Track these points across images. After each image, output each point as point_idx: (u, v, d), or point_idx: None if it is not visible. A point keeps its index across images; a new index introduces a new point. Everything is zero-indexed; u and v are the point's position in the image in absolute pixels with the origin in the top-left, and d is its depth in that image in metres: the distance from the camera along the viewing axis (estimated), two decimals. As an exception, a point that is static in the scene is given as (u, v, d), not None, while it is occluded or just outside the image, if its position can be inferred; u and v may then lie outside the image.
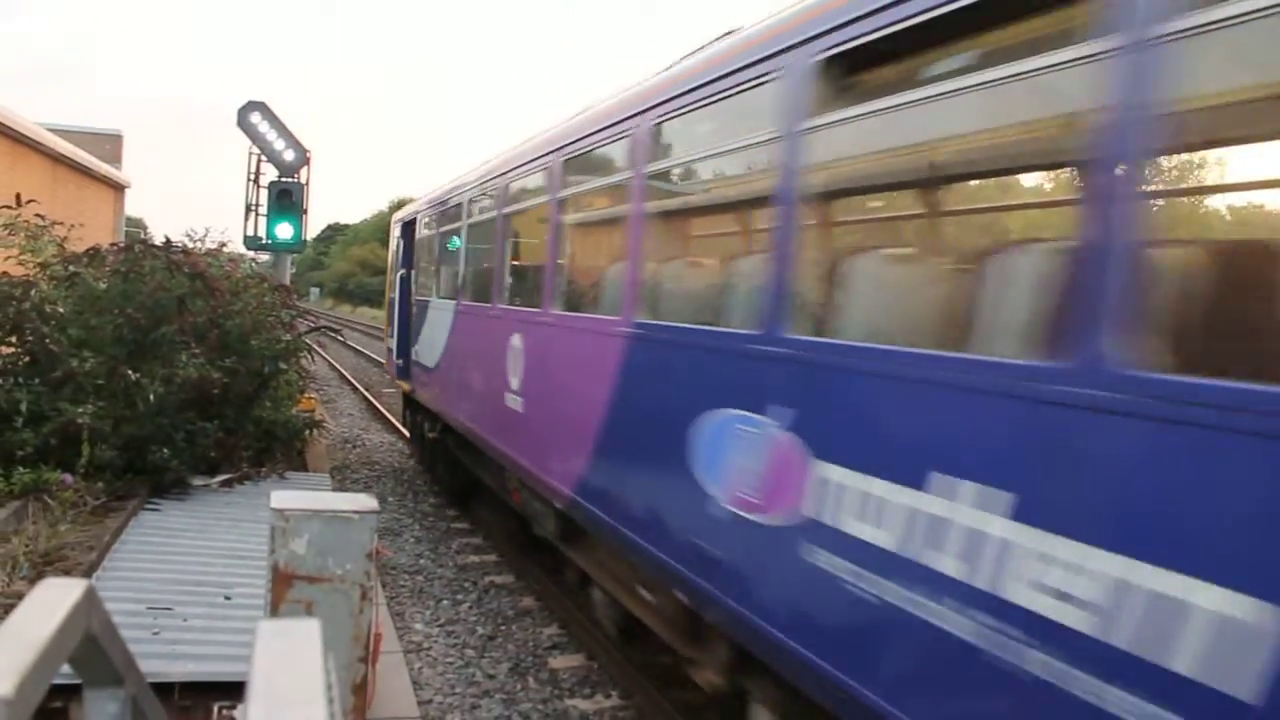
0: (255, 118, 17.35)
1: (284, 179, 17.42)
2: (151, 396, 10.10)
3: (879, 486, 3.96)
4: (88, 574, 7.68)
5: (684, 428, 5.45)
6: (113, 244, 10.77)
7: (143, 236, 12.57)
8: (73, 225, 11.84)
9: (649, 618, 6.53)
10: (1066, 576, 3.16)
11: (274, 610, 5.73)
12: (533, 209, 8.65)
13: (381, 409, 22.04)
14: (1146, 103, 3.06)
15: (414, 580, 10.00)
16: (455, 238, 11.12)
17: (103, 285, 10.01)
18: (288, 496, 5.98)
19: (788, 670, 4.58)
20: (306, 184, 17.45)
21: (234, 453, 10.66)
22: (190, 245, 11.57)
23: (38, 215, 11.55)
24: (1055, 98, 3.86)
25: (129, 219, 32.27)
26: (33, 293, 9.93)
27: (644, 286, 6.21)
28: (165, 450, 10.01)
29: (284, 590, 5.73)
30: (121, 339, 10.01)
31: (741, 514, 4.92)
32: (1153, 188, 3.25)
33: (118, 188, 29.01)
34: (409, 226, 14.45)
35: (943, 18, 3.78)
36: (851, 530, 4.10)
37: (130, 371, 9.94)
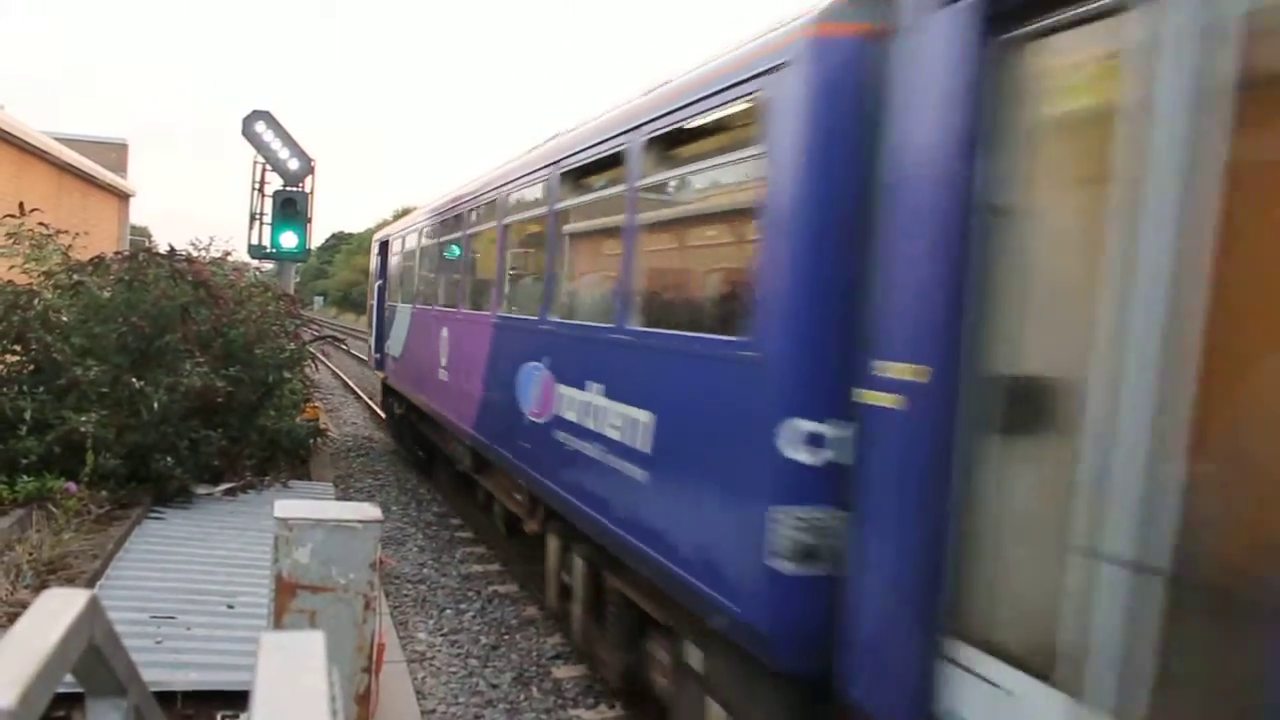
0: (260, 127, 17.40)
1: (288, 188, 17.47)
2: (155, 405, 10.11)
3: (571, 391, 7.33)
4: (91, 583, 7.69)
5: (514, 376, 8.73)
6: (117, 252, 10.81)
7: (147, 245, 12.53)
8: (77, 234, 11.87)
9: (515, 507, 9.48)
10: (619, 418, 6.42)
11: (277, 620, 5.72)
12: (446, 242, 12.40)
13: (385, 417, 21.97)
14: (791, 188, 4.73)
15: (417, 590, 9.99)
16: (410, 259, 14.80)
17: (107, 294, 10.04)
18: (291, 505, 5.98)
19: (556, 505, 7.70)
20: (311, 193, 17.49)
21: (238, 461, 10.68)
22: (195, 254, 11.61)
23: (41, 224, 11.56)
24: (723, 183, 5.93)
25: (133, 228, 32.30)
26: (37, 301, 9.95)
27: (502, 292, 9.66)
28: (169, 459, 10.02)
29: (287, 600, 5.73)
30: (125, 347, 10.03)
31: (533, 419, 8.19)
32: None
33: (122, 196, 29.06)
34: (384, 246, 17.72)
35: (680, 130, 5.99)
36: (566, 416, 7.40)
37: (134, 380, 9.95)
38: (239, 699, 6.16)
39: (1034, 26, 3.52)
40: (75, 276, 10.10)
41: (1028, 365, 3.62)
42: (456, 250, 11.55)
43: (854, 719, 4.29)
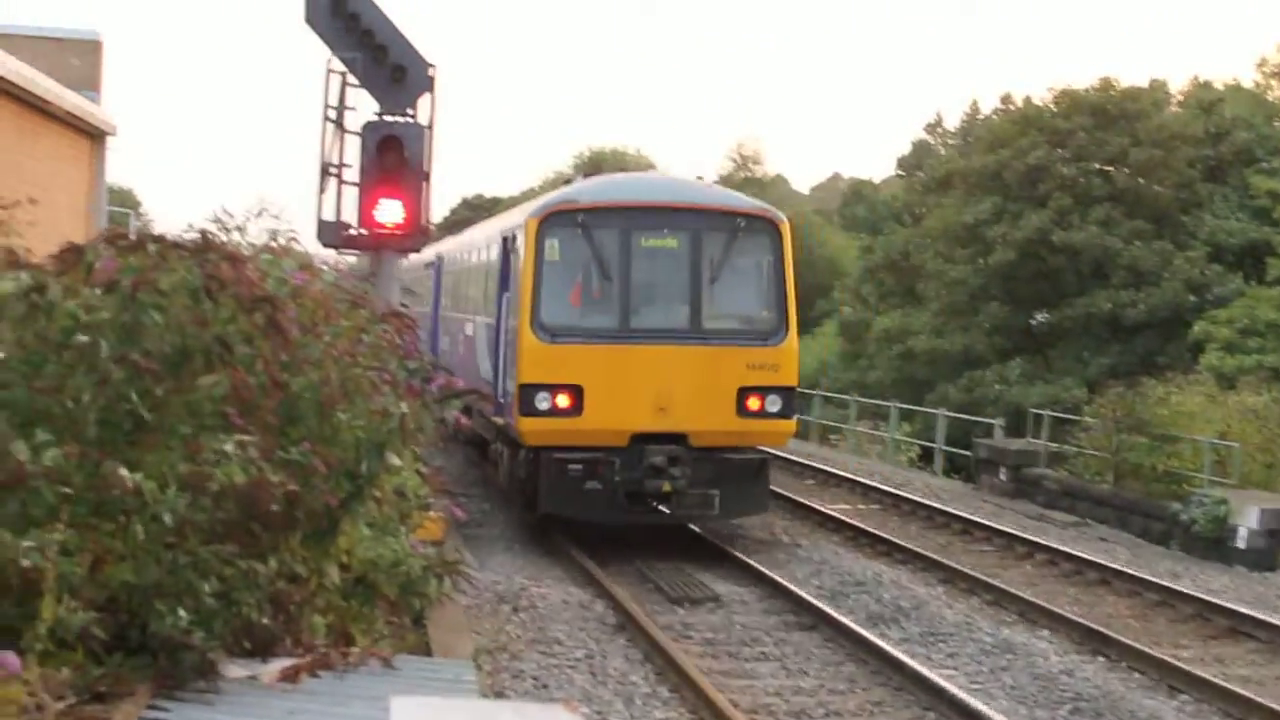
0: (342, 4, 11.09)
1: (390, 115, 11.43)
2: (167, 516, 5.70)
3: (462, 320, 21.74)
4: None
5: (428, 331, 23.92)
6: (113, 238, 6.06)
7: (138, 221, 8.05)
8: (17, 202, 7.39)
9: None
10: (471, 330, 20.47)
11: None
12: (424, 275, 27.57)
13: (561, 536, 16.24)
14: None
15: None
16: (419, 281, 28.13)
17: (84, 314, 5.62)
18: (413, 707, 3.96)
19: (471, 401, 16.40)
20: (430, 127, 11.38)
21: (301, 618, 5.97)
22: (229, 238, 7.00)
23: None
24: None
25: (113, 190, 21.94)
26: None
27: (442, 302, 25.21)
28: (182, 612, 5.55)
29: None
30: (112, 410, 5.63)
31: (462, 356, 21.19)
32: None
33: (95, 135, 17.69)
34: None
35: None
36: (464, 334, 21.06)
37: (124, 471, 5.58)
38: None
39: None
40: (25, 278, 5.64)
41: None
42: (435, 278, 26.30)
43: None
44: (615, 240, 15.90)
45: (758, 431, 16.36)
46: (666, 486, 15.37)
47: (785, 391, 16.17)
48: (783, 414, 16.13)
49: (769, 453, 17.61)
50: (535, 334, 15.49)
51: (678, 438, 15.63)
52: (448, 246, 26.39)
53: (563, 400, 15.34)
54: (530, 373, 15.43)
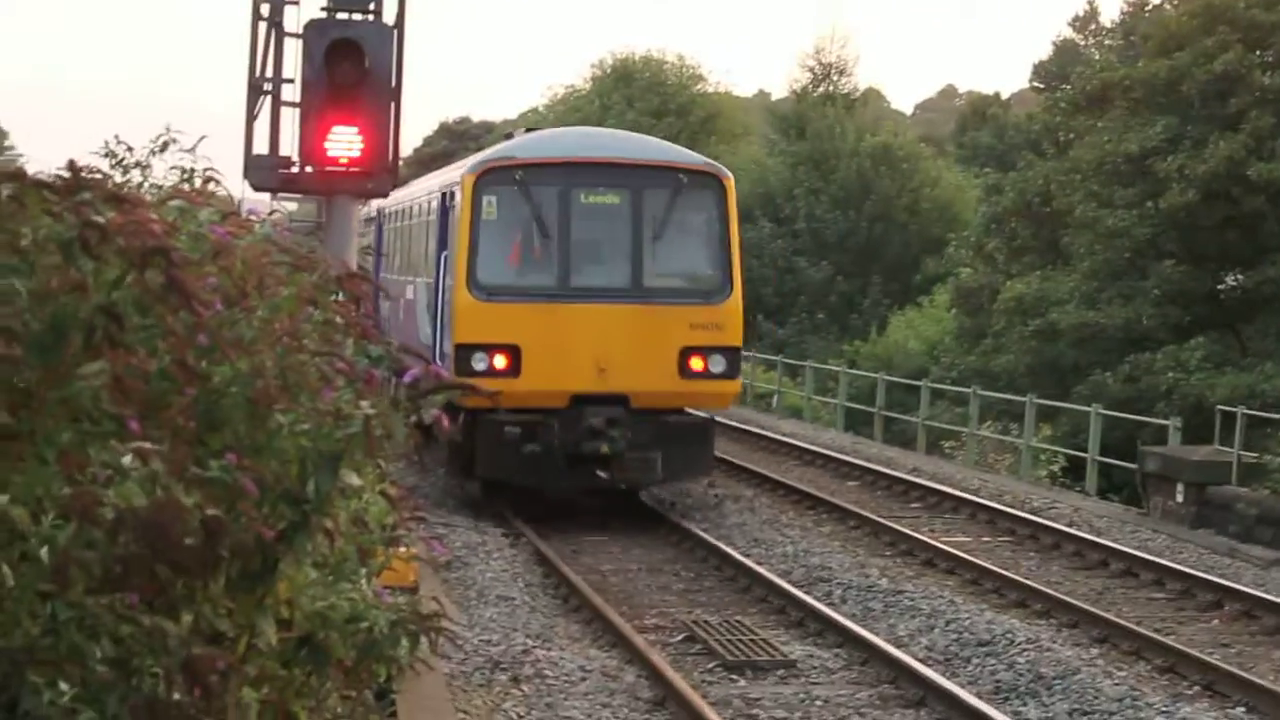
0: None
1: (339, 8, 11.70)
2: (43, 553, 5.77)
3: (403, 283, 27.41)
4: None
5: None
6: None
7: (1, 156, 8.16)
8: None
9: None
10: (413, 296, 25.62)
11: None
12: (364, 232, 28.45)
13: (584, 587, 16.32)
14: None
15: None
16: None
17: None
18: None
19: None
20: (399, 27, 11.60)
21: (226, 692, 6.03)
22: (122, 177, 7.06)
23: None
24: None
25: None
26: None
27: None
28: (63, 685, 5.63)
29: None
30: (-38, 411, 5.68)
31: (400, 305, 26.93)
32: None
33: None
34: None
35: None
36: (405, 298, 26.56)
37: (-13, 490, 5.65)
38: None
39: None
40: None
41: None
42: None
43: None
44: (554, 197, 20.06)
45: (701, 393, 20.67)
46: (605, 449, 19.15)
47: (729, 351, 20.41)
48: (727, 375, 20.39)
49: (713, 416, 22.29)
50: (471, 293, 19.56)
51: (618, 399, 19.65)
52: (388, 202, 30.24)
53: (500, 361, 19.33)
54: (466, 332, 19.66)
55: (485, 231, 19.78)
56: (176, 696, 6.13)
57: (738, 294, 20.39)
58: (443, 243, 21.36)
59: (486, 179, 19.91)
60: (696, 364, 19.92)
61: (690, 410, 20.99)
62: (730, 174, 21.46)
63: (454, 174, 22.08)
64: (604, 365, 19.41)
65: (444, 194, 21.69)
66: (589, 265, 20.42)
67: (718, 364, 20.02)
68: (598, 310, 19.78)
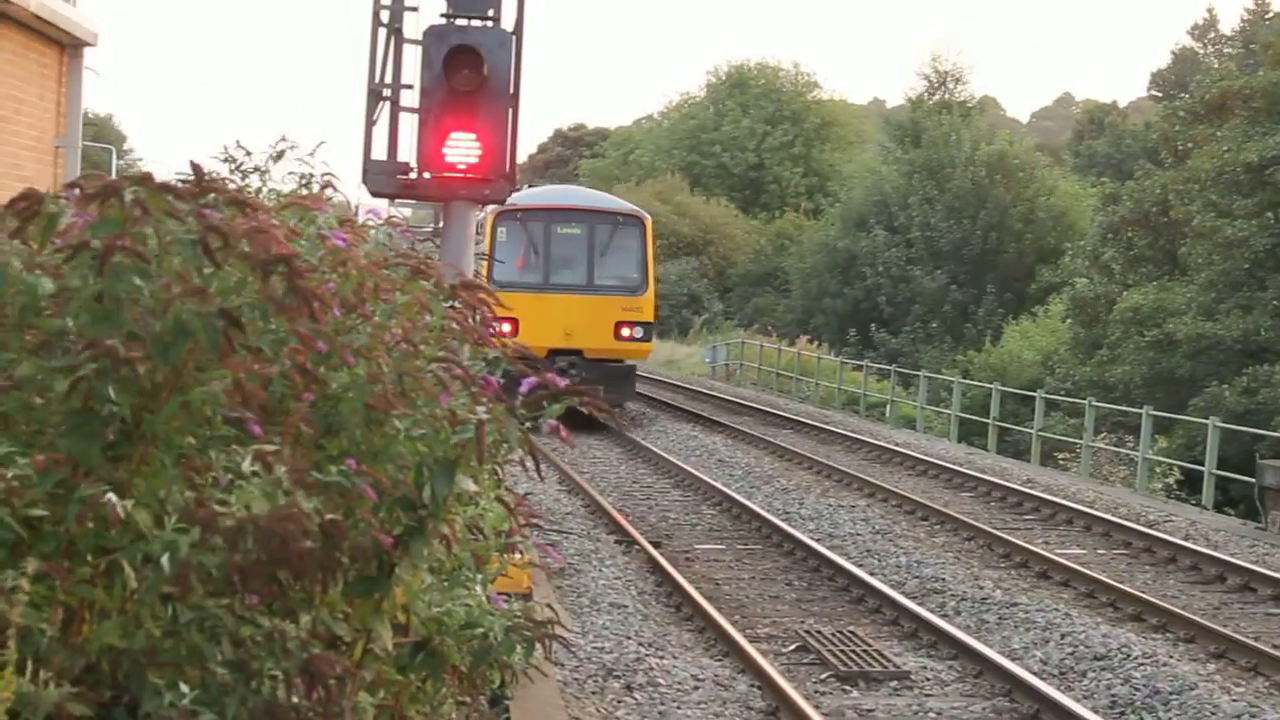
0: None
1: (459, 16, 11.49)
2: (165, 559, 5.81)
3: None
4: None
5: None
6: (77, 186, 6.10)
7: (121, 161, 8.22)
8: None
9: None
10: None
11: None
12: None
13: (697, 595, 15.99)
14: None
15: None
16: None
17: (49, 284, 5.71)
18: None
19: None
20: (518, 33, 11.36)
21: (343, 696, 6.05)
22: (241, 182, 7.09)
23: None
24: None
25: (90, 119, 20.88)
26: None
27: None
28: (183, 687, 5.66)
29: None
30: (89, 415, 5.72)
31: None
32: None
33: (67, 44, 17.30)
34: None
35: None
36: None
37: (111, 495, 5.70)
38: None
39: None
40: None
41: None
42: None
43: None
44: (541, 229, 33.83)
45: (627, 349, 33.86)
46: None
47: (645, 325, 34.05)
48: (644, 339, 34.29)
49: (634, 364, 35.35)
50: (490, 286, 29.68)
51: (577, 352, 32.46)
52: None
53: (506, 328, 29.00)
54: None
55: (499, 249, 32.51)
56: (295, 700, 6.17)
57: (651, 290, 34.42)
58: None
59: (500, 217, 32.59)
60: (625, 331, 33.45)
61: (621, 360, 33.53)
62: (649, 216, 36.16)
63: (480, 214, 32.28)
64: (569, 331, 32.45)
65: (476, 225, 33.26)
66: (561, 270, 33.82)
67: (638, 332, 33.76)
68: (566, 299, 32.99)
